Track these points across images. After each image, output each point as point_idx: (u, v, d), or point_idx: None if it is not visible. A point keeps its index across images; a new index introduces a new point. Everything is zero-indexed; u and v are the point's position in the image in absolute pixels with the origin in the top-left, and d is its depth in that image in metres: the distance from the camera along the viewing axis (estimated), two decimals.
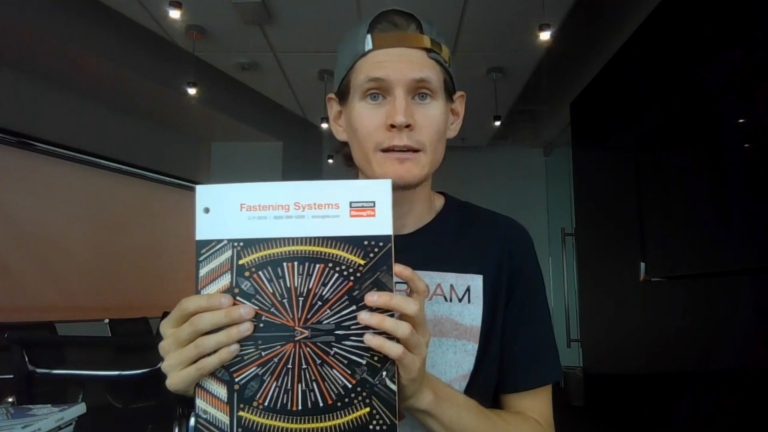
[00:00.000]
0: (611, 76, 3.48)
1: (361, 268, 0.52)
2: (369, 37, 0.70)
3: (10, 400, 2.00)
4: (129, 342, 3.35)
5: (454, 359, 0.72)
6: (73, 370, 2.06)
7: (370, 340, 0.51)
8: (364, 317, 0.51)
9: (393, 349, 0.52)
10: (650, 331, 2.92)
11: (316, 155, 6.43)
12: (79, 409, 0.97)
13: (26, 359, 1.93)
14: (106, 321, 3.73)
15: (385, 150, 0.70)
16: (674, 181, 2.64)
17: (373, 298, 0.52)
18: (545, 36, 3.50)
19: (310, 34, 3.84)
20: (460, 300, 0.74)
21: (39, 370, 1.95)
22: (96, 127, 4.45)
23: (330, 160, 6.33)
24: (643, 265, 2.91)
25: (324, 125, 5.12)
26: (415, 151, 0.70)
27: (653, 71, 2.86)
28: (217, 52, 4.20)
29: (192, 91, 4.08)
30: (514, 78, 4.57)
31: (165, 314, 0.61)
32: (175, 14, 3.46)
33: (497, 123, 5.16)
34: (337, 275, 0.52)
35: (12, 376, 1.94)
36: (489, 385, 0.76)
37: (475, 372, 0.72)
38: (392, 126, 0.68)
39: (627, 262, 3.11)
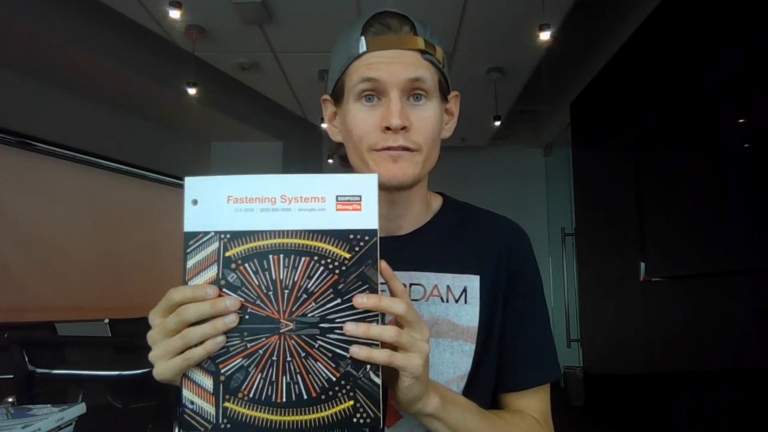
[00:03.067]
0: (611, 76, 3.48)
1: (346, 262, 0.53)
2: (363, 39, 0.70)
3: (10, 400, 2.00)
4: (129, 342, 3.34)
5: (451, 359, 0.72)
6: (73, 370, 2.05)
7: (357, 353, 0.52)
8: (351, 328, 0.52)
9: (381, 356, 0.52)
10: (650, 331, 2.92)
11: (316, 155, 6.43)
12: (79, 409, 0.97)
13: (26, 359, 1.93)
14: (106, 321, 3.72)
15: (380, 150, 0.70)
16: (674, 181, 2.64)
17: (362, 300, 0.52)
18: (545, 36, 3.49)
19: (310, 34, 3.84)
20: (456, 301, 0.74)
21: (39, 370, 1.94)
22: (96, 127, 4.45)
23: (330, 161, 6.34)
24: (643, 265, 2.90)
25: (324, 125, 5.12)
26: (411, 150, 0.70)
27: (653, 71, 2.86)
28: (217, 52, 4.20)
29: (192, 91, 4.08)
30: (514, 78, 4.57)
31: None
32: (175, 14, 3.45)
33: (497, 123, 5.15)
34: (322, 268, 0.53)
35: (12, 376, 1.94)
36: (488, 385, 0.76)
37: (473, 373, 0.72)
38: (387, 128, 0.68)
39: (627, 262, 3.10)
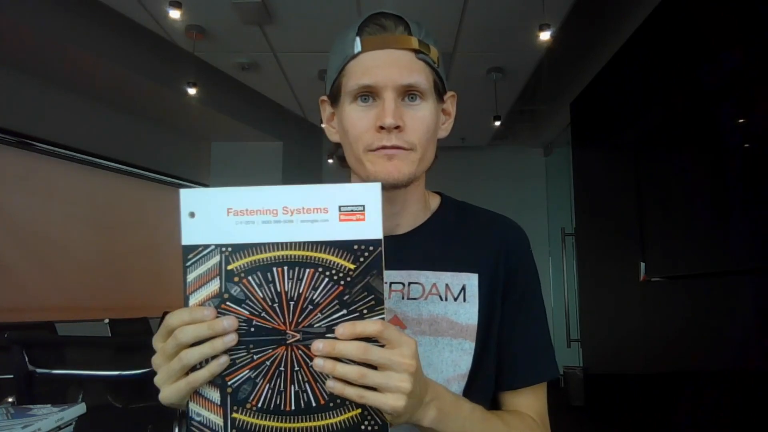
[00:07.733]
0: (611, 76, 3.47)
1: (351, 273, 0.52)
2: (357, 39, 0.71)
3: (10, 400, 2.00)
4: (129, 342, 3.34)
5: (451, 358, 0.72)
6: (73, 370, 2.05)
7: (332, 387, 0.52)
8: (319, 363, 0.51)
9: (352, 393, 0.52)
10: (650, 331, 2.92)
11: (316, 155, 6.43)
12: (79, 409, 0.97)
13: (26, 359, 1.93)
14: (106, 321, 3.73)
15: (375, 150, 0.70)
16: (674, 181, 2.64)
17: (318, 346, 0.51)
18: (545, 36, 3.49)
19: (310, 34, 3.84)
20: (455, 299, 0.74)
21: (39, 370, 1.94)
22: (96, 127, 4.45)
23: (330, 161, 6.34)
24: (643, 265, 2.90)
25: (323, 125, 5.12)
26: (405, 149, 0.70)
27: (653, 71, 2.86)
28: (217, 52, 4.20)
29: (192, 91, 4.08)
30: (514, 78, 4.57)
31: (165, 314, 0.61)
32: (175, 14, 3.46)
33: (497, 123, 5.16)
34: (327, 280, 0.52)
35: (12, 376, 1.94)
36: (489, 384, 0.76)
37: (473, 371, 0.72)
38: (381, 127, 0.69)
39: (627, 262, 3.10)
